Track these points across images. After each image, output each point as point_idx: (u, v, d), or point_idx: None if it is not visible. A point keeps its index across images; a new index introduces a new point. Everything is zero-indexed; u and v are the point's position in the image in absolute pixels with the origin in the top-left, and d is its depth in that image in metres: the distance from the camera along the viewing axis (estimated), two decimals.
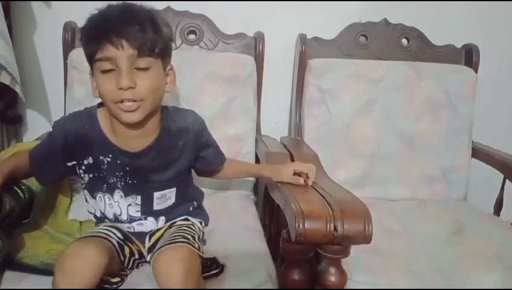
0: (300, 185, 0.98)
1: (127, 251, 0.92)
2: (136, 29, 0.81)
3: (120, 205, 0.95)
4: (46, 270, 0.87)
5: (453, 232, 1.20)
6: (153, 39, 0.83)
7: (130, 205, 0.95)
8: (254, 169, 1.19)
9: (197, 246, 0.87)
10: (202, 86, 1.36)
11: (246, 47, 1.46)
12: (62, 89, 1.39)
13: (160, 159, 0.94)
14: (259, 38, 1.45)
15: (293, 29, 1.51)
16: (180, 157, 0.97)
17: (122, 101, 0.83)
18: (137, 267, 0.95)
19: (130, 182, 0.93)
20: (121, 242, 0.92)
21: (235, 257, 0.98)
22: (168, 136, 0.94)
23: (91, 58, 0.84)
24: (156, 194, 0.96)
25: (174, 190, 0.98)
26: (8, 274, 0.89)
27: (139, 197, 0.95)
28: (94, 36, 0.82)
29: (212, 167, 1.08)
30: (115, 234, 0.93)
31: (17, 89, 1.32)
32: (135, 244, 0.96)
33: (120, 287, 0.88)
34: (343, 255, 0.87)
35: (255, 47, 1.45)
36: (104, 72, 0.82)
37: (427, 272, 1.00)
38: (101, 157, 0.91)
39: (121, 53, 0.80)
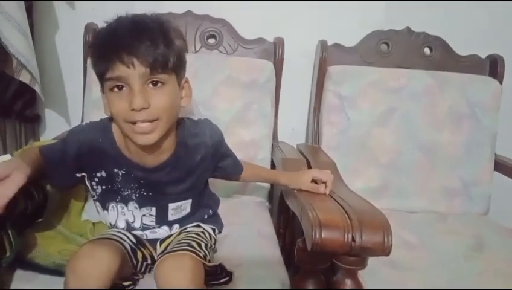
0: (318, 193, 0.96)
1: (139, 255, 0.91)
2: (147, 45, 0.76)
3: (134, 213, 0.94)
4: (57, 271, 0.86)
5: (473, 248, 1.16)
6: (165, 54, 0.78)
7: (144, 215, 0.94)
8: (271, 175, 1.16)
9: (202, 254, 0.84)
10: (220, 90, 1.35)
11: (265, 52, 1.45)
12: (81, 90, 1.40)
13: (177, 173, 0.92)
14: (278, 44, 1.44)
15: (314, 35, 1.49)
16: (197, 170, 0.95)
17: (135, 122, 0.79)
18: (149, 271, 0.93)
19: (145, 193, 0.91)
20: (134, 246, 0.90)
21: (248, 264, 0.96)
22: (185, 151, 0.92)
23: (101, 77, 0.80)
24: (171, 205, 0.94)
25: (189, 201, 0.97)
26: (19, 273, 0.89)
27: (153, 209, 0.93)
28: (103, 54, 0.78)
29: (230, 177, 1.08)
30: (128, 237, 0.91)
31: (37, 88, 1.33)
32: (147, 249, 0.94)
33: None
34: (360, 266, 0.84)
35: (275, 52, 1.44)
36: (116, 91, 0.79)
37: (446, 288, 0.97)
38: (116, 170, 0.89)
39: (133, 72, 0.76)
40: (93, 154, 0.88)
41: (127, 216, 0.94)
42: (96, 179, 0.91)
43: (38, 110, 1.53)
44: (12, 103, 1.43)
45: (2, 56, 1.27)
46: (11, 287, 0.86)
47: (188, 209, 0.97)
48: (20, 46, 1.25)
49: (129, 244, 0.89)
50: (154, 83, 0.79)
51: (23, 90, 1.40)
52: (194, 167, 0.94)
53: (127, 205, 0.93)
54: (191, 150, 0.93)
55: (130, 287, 0.86)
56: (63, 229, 1.00)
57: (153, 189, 0.91)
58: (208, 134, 0.96)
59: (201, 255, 0.83)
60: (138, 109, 0.77)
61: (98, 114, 0.95)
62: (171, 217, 0.95)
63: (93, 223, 1.05)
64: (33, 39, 1.35)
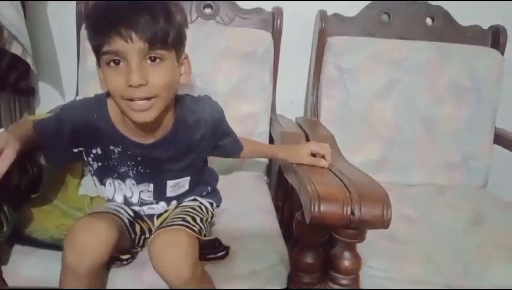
0: (317, 166, 0.95)
1: (137, 228, 0.91)
2: (147, 19, 0.73)
3: (132, 189, 0.93)
4: (55, 245, 0.86)
5: (472, 222, 1.16)
6: (165, 29, 0.75)
7: (142, 191, 0.93)
8: (269, 150, 1.15)
9: (197, 228, 0.84)
10: (218, 62, 1.32)
11: (263, 22, 1.42)
12: (75, 61, 1.37)
13: (175, 151, 0.90)
14: (277, 14, 1.40)
15: (313, 5, 1.45)
16: (196, 148, 0.93)
17: (132, 99, 0.76)
18: (148, 245, 0.93)
19: (142, 171, 0.90)
20: (132, 220, 0.90)
21: (247, 237, 0.96)
22: (184, 128, 0.90)
23: (97, 51, 0.77)
24: (170, 183, 0.93)
25: (188, 178, 0.96)
26: (17, 248, 0.88)
27: (151, 185, 0.92)
28: (100, 27, 0.74)
29: (229, 156, 1.07)
30: (126, 211, 0.91)
31: (29, 60, 1.30)
32: (146, 222, 0.94)
33: (130, 264, 0.86)
34: (358, 239, 0.84)
35: (273, 23, 1.41)
36: (112, 66, 0.76)
37: (445, 261, 0.97)
38: (111, 147, 0.87)
39: (131, 46, 0.73)
40: (88, 131, 0.86)
41: (125, 191, 0.93)
42: (92, 156, 0.90)
43: (32, 82, 1.51)
44: (6, 75, 1.40)
45: None
46: (10, 262, 0.86)
47: (187, 187, 0.97)
48: (11, 17, 1.22)
49: (127, 218, 0.89)
50: (153, 59, 0.76)
51: (17, 63, 1.37)
52: (194, 145, 0.92)
53: (124, 182, 0.92)
54: (190, 127, 0.91)
55: (129, 261, 0.86)
56: (60, 204, 0.99)
57: (151, 166, 0.90)
58: (208, 111, 0.94)
59: (196, 229, 0.83)
60: (136, 85, 0.74)
61: (93, 86, 0.93)
62: (169, 194, 0.95)
63: (91, 198, 1.05)
64: (25, 11, 1.31)
